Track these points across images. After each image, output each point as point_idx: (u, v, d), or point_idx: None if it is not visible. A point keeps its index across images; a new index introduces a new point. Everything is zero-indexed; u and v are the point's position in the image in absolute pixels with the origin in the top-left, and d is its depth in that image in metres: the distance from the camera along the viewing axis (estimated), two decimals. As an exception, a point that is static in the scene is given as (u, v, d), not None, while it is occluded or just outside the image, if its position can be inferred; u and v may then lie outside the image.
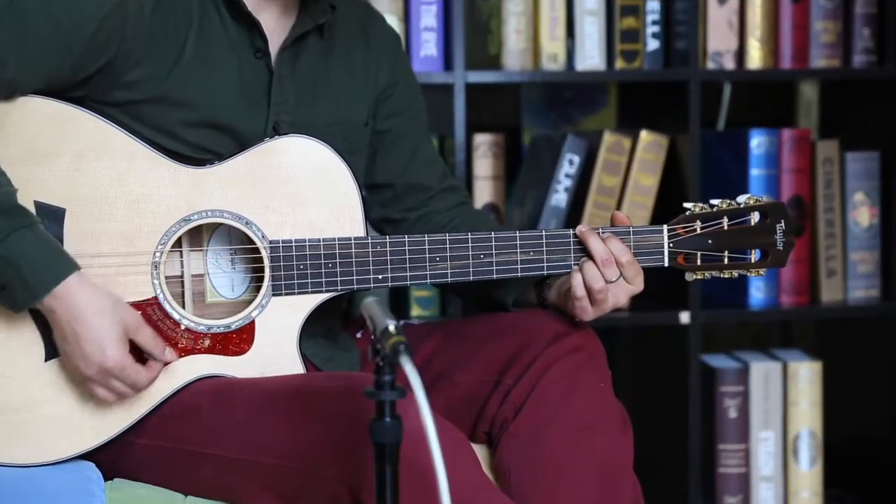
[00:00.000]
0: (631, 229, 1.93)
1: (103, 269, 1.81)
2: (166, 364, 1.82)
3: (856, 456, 2.97)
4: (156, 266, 1.83)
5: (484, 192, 2.72)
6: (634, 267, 1.90)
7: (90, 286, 1.75)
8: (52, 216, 1.79)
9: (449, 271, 1.90)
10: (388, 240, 1.88)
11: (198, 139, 1.87)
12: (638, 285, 1.91)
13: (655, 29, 2.70)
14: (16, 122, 1.78)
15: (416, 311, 2.71)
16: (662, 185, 2.65)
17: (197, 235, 1.90)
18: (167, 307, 1.84)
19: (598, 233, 1.90)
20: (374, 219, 2.13)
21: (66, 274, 1.73)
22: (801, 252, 2.74)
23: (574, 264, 1.91)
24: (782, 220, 1.95)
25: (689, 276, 1.95)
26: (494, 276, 1.91)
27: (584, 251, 1.90)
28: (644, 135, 2.65)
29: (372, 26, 2.10)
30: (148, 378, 1.80)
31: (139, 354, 1.80)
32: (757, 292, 2.74)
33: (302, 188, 1.87)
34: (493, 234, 1.91)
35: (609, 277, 1.88)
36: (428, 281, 1.91)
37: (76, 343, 1.75)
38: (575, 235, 1.91)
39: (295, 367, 1.87)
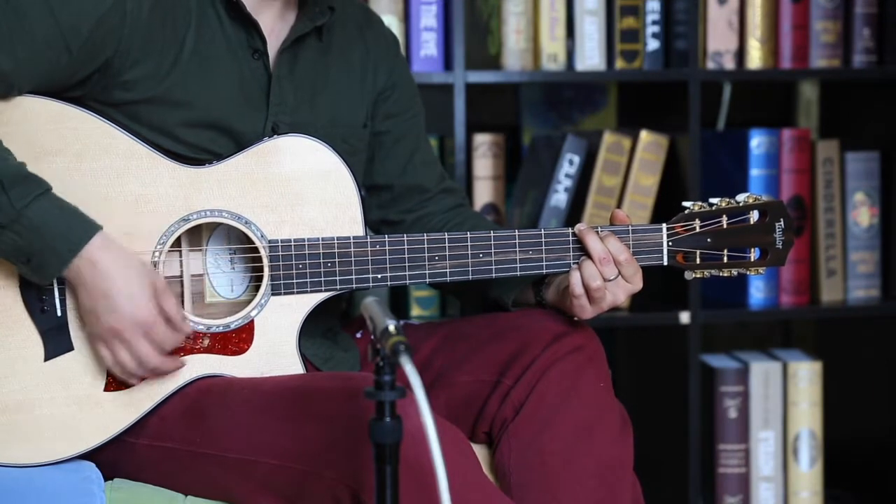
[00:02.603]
0: (630, 228, 1.93)
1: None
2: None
3: (856, 456, 2.97)
4: (155, 266, 1.83)
5: (484, 192, 2.72)
6: (633, 265, 1.90)
7: (116, 245, 1.76)
8: (52, 216, 1.79)
9: (448, 270, 1.90)
10: (386, 239, 1.88)
11: (196, 140, 1.87)
12: (637, 284, 1.91)
13: (655, 29, 2.70)
14: (15, 122, 1.78)
15: (416, 311, 2.71)
16: (662, 185, 2.66)
17: (196, 235, 1.90)
18: (167, 307, 1.84)
19: (597, 231, 1.90)
20: (371, 220, 2.13)
21: (90, 234, 1.73)
22: (801, 252, 2.74)
23: (573, 263, 1.91)
24: (781, 219, 1.95)
25: (688, 275, 1.95)
26: (493, 275, 1.91)
27: (583, 250, 1.90)
28: (644, 135, 2.65)
29: (370, 28, 2.10)
30: (175, 341, 1.79)
31: None
32: (757, 292, 2.74)
33: (301, 188, 1.87)
34: (491, 234, 1.91)
35: (607, 276, 1.88)
36: (427, 280, 1.91)
37: (107, 299, 1.74)
38: (574, 234, 1.91)
39: (294, 366, 1.87)
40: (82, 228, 1.74)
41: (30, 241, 1.71)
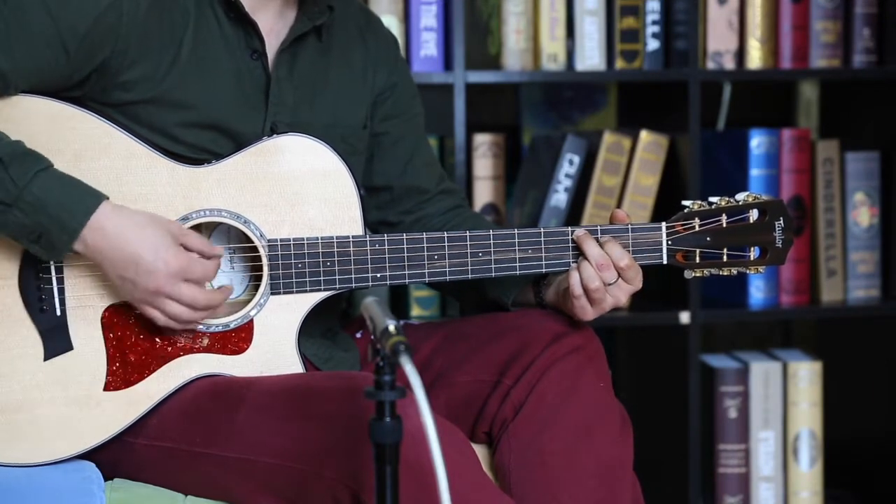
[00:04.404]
0: (629, 227, 1.93)
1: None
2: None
3: (856, 456, 2.96)
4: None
5: (484, 192, 2.72)
6: (634, 269, 1.90)
7: (122, 208, 1.76)
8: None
9: (447, 269, 1.90)
10: (386, 238, 1.88)
11: (196, 140, 1.87)
12: (637, 285, 1.91)
13: (655, 29, 2.70)
14: (14, 122, 1.78)
15: (416, 311, 2.71)
16: (662, 185, 2.65)
17: (196, 235, 1.90)
18: (166, 306, 1.84)
19: (595, 237, 1.90)
20: (370, 221, 2.12)
21: (96, 204, 1.73)
22: (801, 252, 2.74)
23: (573, 262, 1.91)
24: (781, 218, 1.95)
25: (688, 274, 1.95)
26: (493, 274, 1.91)
27: (581, 255, 1.90)
28: (644, 135, 2.65)
29: (370, 29, 2.10)
30: (214, 267, 1.80)
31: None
32: (757, 292, 2.74)
33: (300, 187, 1.87)
34: (491, 233, 1.91)
35: (607, 280, 1.88)
36: (427, 280, 1.91)
37: (135, 264, 1.75)
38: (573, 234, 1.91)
39: (294, 366, 1.87)
40: (88, 199, 1.73)
41: (35, 218, 1.71)
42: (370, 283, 1.88)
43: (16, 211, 1.70)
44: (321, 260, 1.87)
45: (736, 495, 2.77)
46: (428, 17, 2.64)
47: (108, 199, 1.75)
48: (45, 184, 1.71)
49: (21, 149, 1.73)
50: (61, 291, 1.80)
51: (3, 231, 1.73)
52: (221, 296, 1.82)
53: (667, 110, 2.73)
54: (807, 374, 2.79)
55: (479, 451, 1.90)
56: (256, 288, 1.87)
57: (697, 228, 1.94)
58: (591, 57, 2.68)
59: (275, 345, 1.87)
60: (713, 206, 1.94)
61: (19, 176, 1.70)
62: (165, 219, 1.79)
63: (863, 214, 2.78)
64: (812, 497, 2.80)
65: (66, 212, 1.71)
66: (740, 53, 2.73)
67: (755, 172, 2.72)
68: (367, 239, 1.88)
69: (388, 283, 1.89)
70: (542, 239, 1.91)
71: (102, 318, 1.82)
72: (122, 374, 1.82)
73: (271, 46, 1.94)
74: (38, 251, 1.74)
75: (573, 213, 2.67)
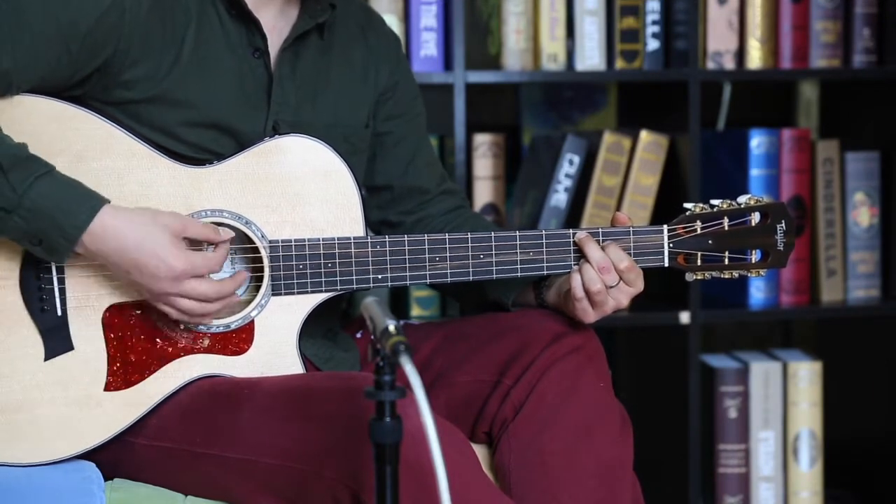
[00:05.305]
0: (631, 229, 1.92)
1: (102, 268, 1.80)
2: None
3: (856, 456, 2.97)
4: (155, 266, 1.83)
5: (484, 192, 2.72)
6: (634, 271, 1.90)
7: (122, 210, 1.75)
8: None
9: (448, 271, 1.90)
10: (387, 239, 1.88)
11: (197, 139, 1.87)
12: (638, 287, 1.91)
13: (655, 29, 2.70)
14: (16, 122, 1.78)
15: (416, 311, 2.71)
16: (662, 185, 2.65)
17: (197, 235, 1.90)
18: (167, 307, 1.84)
19: (597, 240, 1.90)
20: (371, 221, 2.12)
21: (96, 208, 1.73)
22: (801, 252, 2.74)
23: (574, 264, 1.91)
24: (783, 221, 1.95)
25: (689, 277, 1.95)
26: (494, 275, 1.91)
27: (583, 257, 1.90)
28: (644, 135, 2.65)
29: (372, 28, 2.10)
30: (220, 258, 1.80)
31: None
32: (757, 292, 2.74)
33: (302, 188, 1.87)
34: (492, 234, 1.91)
35: (608, 283, 1.88)
36: (427, 281, 1.91)
37: (139, 269, 1.75)
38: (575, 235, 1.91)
39: (294, 366, 1.87)
40: (87, 204, 1.73)
41: (35, 223, 1.71)
42: (371, 285, 1.88)
43: (15, 217, 1.70)
44: (322, 261, 1.86)
45: (736, 495, 2.77)
46: (428, 17, 2.63)
47: (108, 202, 1.75)
48: (44, 189, 1.71)
49: (22, 153, 1.72)
50: (62, 291, 1.80)
51: (3, 235, 1.73)
52: (233, 284, 1.82)
53: (667, 110, 2.73)
54: (807, 374, 2.79)
55: (479, 451, 1.90)
56: (257, 289, 1.87)
57: (699, 231, 1.94)
58: (591, 57, 2.68)
59: (275, 346, 1.87)
60: (715, 209, 1.94)
61: (19, 182, 1.69)
62: (167, 214, 1.78)
63: (863, 214, 2.78)
64: (812, 497, 2.80)
65: (64, 217, 1.71)
66: (740, 53, 2.73)
67: (755, 172, 2.72)
68: (369, 240, 1.88)
69: (389, 284, 1.89)
70: (544, 241, 1.91)
71: (103, 319, 1.82)
72: (122, 374, 1.82)
73: (273, 45, 1.94)
74: (40, 254, 1.74)
75: (573, 214, 2.67)
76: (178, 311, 1.79)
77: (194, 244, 1.81)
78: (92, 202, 1.73)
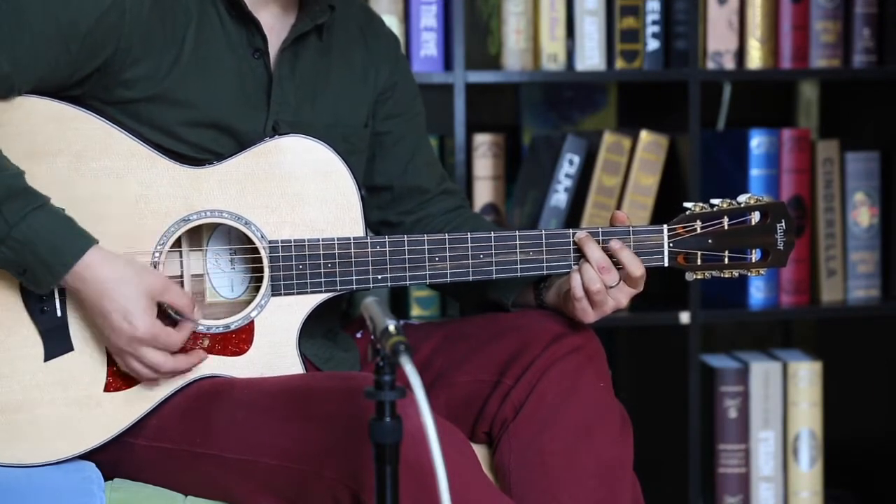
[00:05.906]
0: (631, 229, 1.92)
1: (103, 269, 1.81)
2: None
3: (856, 456, 2.97)
4: (155, 266, 1.83)
5: (484, 192, 2.72)
6: (643, 277, 1.90)
7: (110, 258, 1.75)
8: (52, 216, 1.79)
9: (448, 271, 1.90)
10: (387, 240, 1.88)
11: (197, 139, 1.87)
12: (639, 287, 1.91)
13: (655, 29, 2.70)
14: (16, 122, 1.78)
15: (416, 311, 2.71)
16: (662, 185, 2.65)
17: (196, 235, 1.90)
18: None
19: (597, 239, 1.90)
20: (371, 221, 2.12)
21: (83, 249, 1.73)
22: (801, 252, 2.74)
23: (574, 264, 1.91)
24: (783, 220, 1.95)
25: (689, 276, 1.95)
26: (494, 276, 1.91)
27: (583, 257, 1.90)
28: (644, 135, 2.65)
29: (371, 28, 2.10)
30: (180, 339, 1.80)
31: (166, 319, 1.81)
32: (757, 292, 2.74)
33: (301, 188, 1.87)
34: (492, 234, 1.90)
35: (608, 283, 1.88)
36: (427, 281, 1.91)
37: (104, 317, 1.76)
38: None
39: (294, 367, 1.87)
40: (76, 244, 1.74)
41: (23, 255, 1.71)
42: (371, 285, 1.88)
43: (3, 248, 1.71)
44: (322, 262, 1.86)
45: (736, 495, 2.77)
46: (428, 17, 2.64)
47: (97, 242, 1.75)
48: (35, 223, 1.71)
49: (19, 185, 1.73)
50: (62, 292, 1.80)
51: None
52: (188, 363, 1.82)
53: (667, 110, 2.73)
54: (807, 374, 2.79)
55: (479, 451, 1.90)
56: (257, 289, 1.86)
57: (699, 230, 1.94)
58: (591, 57, 2.68)
59: (275, 346, 1.87)
60: (715, 209, 1.94)
61: (11, 214, 1.70)
62: (152, 274, 1.79)
63: (863, 214, 2.78)
64: (812, 497, 2.80)
65: (51, 254, 1.72)
66: (740, 53, 2.73)
67: (755, 172, 2.72)
68: (368, 241, 1.88)
69: (388, 284, 1.89)
70: (544, 241, 1.91)
71: (103, 319, 1.82)
72: (122, 374, 1.82)
73: (273, 46, 1.94)
74: (24, 283, 1.76)
75: (573, 214, 2.67)
76: (126, 367, 1.80)
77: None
78: (81, 242, 1.74)
